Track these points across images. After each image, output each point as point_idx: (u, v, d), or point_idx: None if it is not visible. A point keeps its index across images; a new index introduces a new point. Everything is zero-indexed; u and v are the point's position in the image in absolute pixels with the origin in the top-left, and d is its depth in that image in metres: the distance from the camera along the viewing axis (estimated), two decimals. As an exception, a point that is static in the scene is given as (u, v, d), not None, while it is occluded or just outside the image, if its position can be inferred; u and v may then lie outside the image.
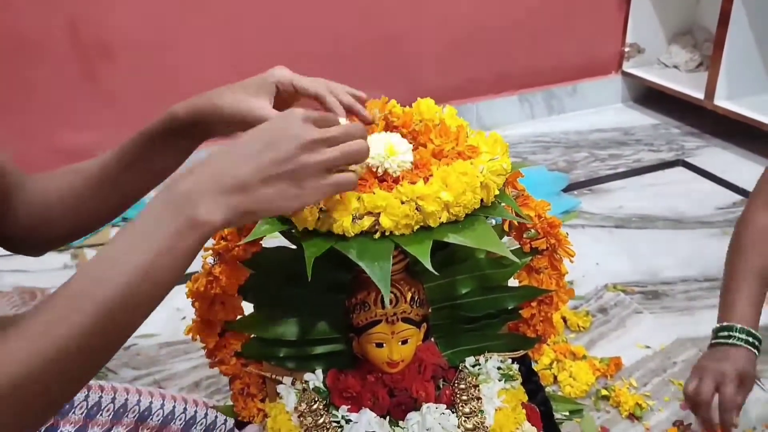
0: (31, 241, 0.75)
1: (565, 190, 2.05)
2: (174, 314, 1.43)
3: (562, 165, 2.23)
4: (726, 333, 0.96)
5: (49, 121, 1.92)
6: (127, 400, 0.81)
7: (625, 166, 2.22)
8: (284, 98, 0.69)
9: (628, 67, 2.66)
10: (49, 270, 1.68)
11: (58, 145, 1.93)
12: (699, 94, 2.35)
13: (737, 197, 1.99)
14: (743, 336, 0.94)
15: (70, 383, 0.51)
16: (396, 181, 0.62)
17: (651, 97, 2.67)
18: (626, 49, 2.63)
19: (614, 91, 2.72)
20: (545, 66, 2.58)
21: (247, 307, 0.74)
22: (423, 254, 0.57)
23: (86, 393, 0.79)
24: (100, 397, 0.79)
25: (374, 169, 0.62)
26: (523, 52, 2.51)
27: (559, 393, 1.23)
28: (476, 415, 0.71)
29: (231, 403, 0.78)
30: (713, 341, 0.97)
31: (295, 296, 0.72)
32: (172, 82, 1.99)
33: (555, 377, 1.27)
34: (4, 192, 0.70)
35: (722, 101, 2.29)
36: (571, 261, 0.75)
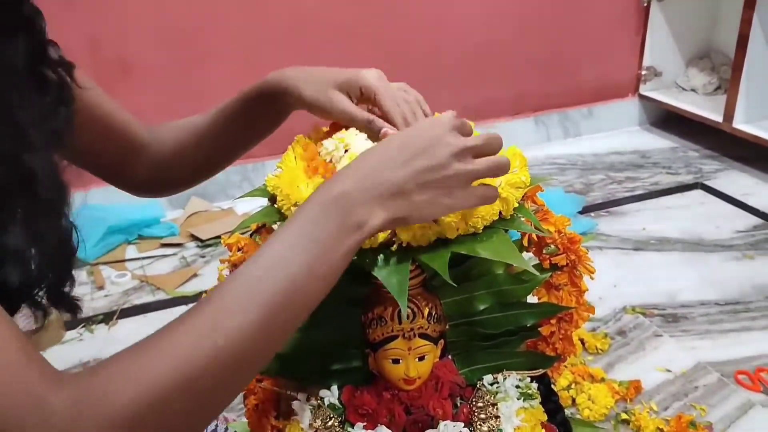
0: (149, 187, 0.85)
1: (581, 212, 2.04)
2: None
3: (578, 187, 2.22)
4: None
5: (69, 139, 1.95)
6: None
7: (642, 188, 2.20)
8: (365, 101, 0.71)
9: (645, 90, 2.66)
10: (65, 287, 1.68)
11: (77, 163, 1.95)
12: (717, 117, 2.33)
13: (757, 221, 1.96)
14: None
15: (234, 382, 0.50)
16: None
17: (668, 120, 2.66)
18: (643, 73, 2.63)
19: (631, 114, 2.71)
20: (561, 89, 2.58)
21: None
22: (441, 266, 0.56)
23: None
24: None
25: None
26: (540, 74, 2.52)
27: (578, 416, 1.21)
28: (494, 434, 0.69)
29: (244, 420, 0.77)
30: None
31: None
32: (190, 99, 2.01)
33: (573, 400, 1.25)
34: (135, 149, 0.80)
35: (741, 124, 2.27)
36: (592, 278, 0.74)
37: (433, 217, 0.56)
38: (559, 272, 0.73)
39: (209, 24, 2.00)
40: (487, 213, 0.59)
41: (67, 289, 0.57)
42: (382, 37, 2.21)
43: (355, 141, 0.66)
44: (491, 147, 0.58)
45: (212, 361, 0.46)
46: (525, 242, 0.73)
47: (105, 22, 1.89)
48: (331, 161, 0.64)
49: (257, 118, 0.78)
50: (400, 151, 0.55)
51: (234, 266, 0.66)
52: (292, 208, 0.59)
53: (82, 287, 1.70)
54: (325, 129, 0.72)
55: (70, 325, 1.52)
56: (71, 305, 0.59)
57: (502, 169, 0.58)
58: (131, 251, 1.87)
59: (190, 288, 1.67)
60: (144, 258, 1.84)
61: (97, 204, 1.95)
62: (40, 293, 0.54)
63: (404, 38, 2.25)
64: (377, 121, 0.68)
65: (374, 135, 0.68)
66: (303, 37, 2.10)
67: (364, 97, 0.71)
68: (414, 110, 0.70)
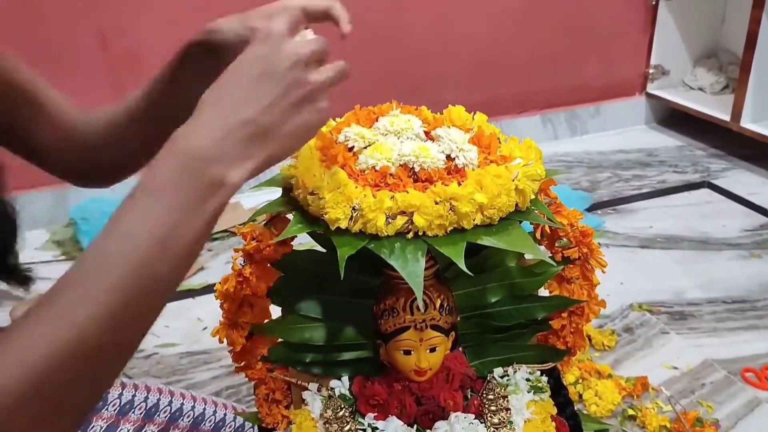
0: (89, 174, 0.76)
1: (588, 210, 2.03)
2: (195, 324, 1.43)
3: (585, 185, 2.22)
4: None
5: (77, 132, 1.95)
6: (159, 400, 0.81)
7: (649, 187, 2.19)
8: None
9: (652, 88, 2.65)
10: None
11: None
12: (725, 116, 2.33)
13: (764, 220, 1.96)
14: None
15: (96, 374, 0.44)
16: (429, 180, 0.61)
17: (675, 119, 2.65)
18: (650, 71, 2.63)
19: (638, 112, 2.71)
20: (568, 87, 2.58)
21: (274, 312, 0.73)
22: (457, 256, 0.56)
23: (120, 391, 0.79)
24: (133, 395, 0.79)
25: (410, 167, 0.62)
26: (547, 72, 2.51)
27: (585, 411, 1.21)
28: (505, 426, 0.69)
29: (255, 410, 0.77)
30: None
31: (323, 301, 0.72)
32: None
33: (580, 395, 1.25)
34: (66, 131, 0.72)
35: (749, 123, 2.26)
36: (603, 271, 0.74)
37: (301, 145, 0.51)
38: (571, 265, 0.73)
39: (216, 16, 2.00)
40: (503, 205, 0.59)
41: (12, 261, 0.54)
42: (389, 34, 2.20)
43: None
44: (325, 48, 0.53)
45: (66, 357, 0.41)
46: (538, 235, 0.73)
47: (115, 17, 1.89)
48: (353, 148, 0.64)
49: (197, 71, 0.66)
50: (242, 85, 0.48)
51: (248, 255, 0.66)
52: (308, 196, 0.60)
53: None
54: (338, 120, 0.72)
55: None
56: (21, 277, 0.56)
57: (343, 71, 0.54)
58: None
59: (197, 281, 1.67)
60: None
61: (102, 197, 1.96)
62: None
63: (411, 35, 2.24)
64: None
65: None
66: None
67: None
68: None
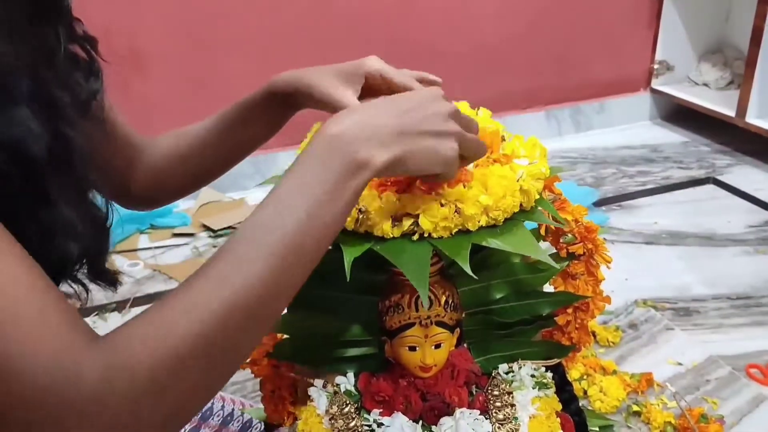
0: (144, 198, 0.82)
1: (593, 206, 2.03)
2: (201, 321, 1.43)
3: (589, 181, 2.22)
4: None
5: (82, 129, 1.96)
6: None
7: (654, 183, 2.19)
8: (372, 88, 0.71)
9: (657, 84, 2.65)
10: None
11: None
12: (730, 112, 2.32)
13: (769, 215, 1.96)
14: None
15: (248, 335, 0.49)
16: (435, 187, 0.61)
17: (680, 114, 2.65)
18: (655, 67, 2.62)
19: (643, 108, 2.70)
20: (573, 82, 2.58)
21: (280, 308, 0.74)
22: (462, 258, 0.56)
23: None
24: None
25: None
26: (551, 68, 2.51)
27: (589, 408, 1.21)
28: (510, 422, 0.70)
29: (261, 406, 0.77)
30: None
31: (329, 297, 0.72)
32: (202, 91, 2.01)
33: (585, 391, 1.25)
34: (132, 157, 0.78)
35: (754, 119, 2.26)
36: (608, 267, 0.74)
37: (428, 166, 0.55)
38: (576, 261, 0.73)
39: (222, 15, 2.00)
40: (508, 206, 0.59)
41: (104, 264, 0.58)
42: (394, 29, 2.21)
43: None
44: (474, 126, 0.59)
45: (224, 317, 0.45)
46: (542, 231, 0.73)
47: (118, 13, 1.89)
48: None
49: (261, 122, 0.77)
50: (396, 104, 0.56)
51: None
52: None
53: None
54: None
55: (83, 313, 1.53)
56: (111, 279, 0.60)
57: (482, 147, 0.59)
58: (143, 240, 1.88)
59: (202, 278, 1.68)
60: (156, 247, 1.85)
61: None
62: (81, 268, 0.55)
63: (417, 31, 2.24)
64: None
65: None
66: (315, 28, 2.10)
67: (369, 83, 0.71)
68: (420, 78, 0.72)
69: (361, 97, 0.70)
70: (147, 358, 0.42)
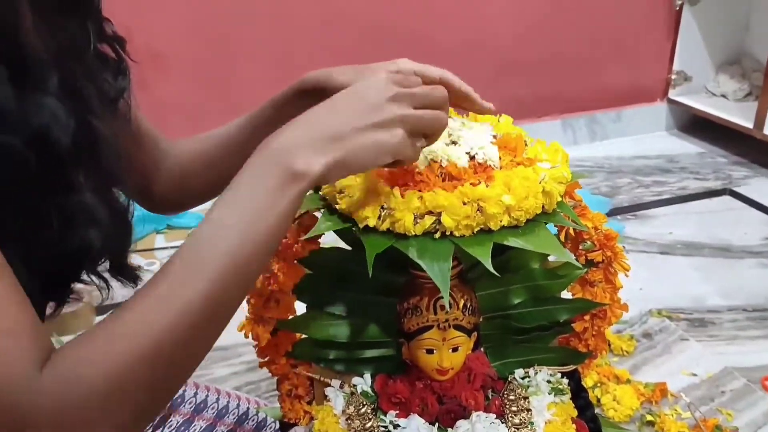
0: (169, 201, 0.81)
1: (608, 215, 2.03)
2: (215, 321, 1.44)
3: (604, 190, 2.21)
4: None
5: (101, 129, 1.97)
6: (184, 391, 0.84)
7: (669, 193, 2.18)
8: None
9: (674, 94, 2.64)
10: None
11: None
12: (748, 124, 2.31)
13: (786, 228, 1.95)
14: None
15: (192, 351, 0.50)
16: (457, 178, 0.61)
17: (697, 125, 2.63)
18: (673, 77, 2.61)
19: (659, 118, 2.69)
20: (589, 91, 2.57)
21: (299, 308, 0.74)
22: (484, 256, 0.57)
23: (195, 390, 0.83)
24: (206, 395, 0.83)
25: (437, 162, 0.63)
26: (568, 76, 2.51)
27: (603, 416, 1.21)
28: (526, 427, 0.70)
29: (277, 405, 0.78)
30: None
31: (348, 298, 0.72)
32: (220, 90, 2.03)
33: (598, 400, 1.25)
34: (157, 160, 0.77)
35: (772, 131, 2.25)
36: (627, 275, 0.74)
37: (373, 161, 0.55)
38: (594, 268, 0.74)
39: (241, 16, 2.02)
40: (530, 206, 0.59)
41: (126, 261, 0.59)
42: (409, 36, 2.21)
43: None
44: (431, 99, 0.57)
45: (167, 334, 0.46)
46: (562, 237, 0.73)
47: (137, 12, 1.91)
48: None
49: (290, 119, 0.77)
50: (335, 102, 0.55)
51: (277, 252, 0.67)
52: (336, 194, 0.61)
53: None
54: None
55: (100, 311, 1.55)
56: (132, 275, 0.61)
57: (439, 120, 0.57)
58: (160, 240, 1.89)
59: (217, 278, 1.69)
60: (173, 247, 1.86)
61: (126, 193, 1.98)
62: (102, 263, 0.56)
63: (432, 38, 2.25)
64: None
65: None
66: (332, 32, 2.11)
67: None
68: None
69: None
70: (94, 378, 0.44)
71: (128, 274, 0.61)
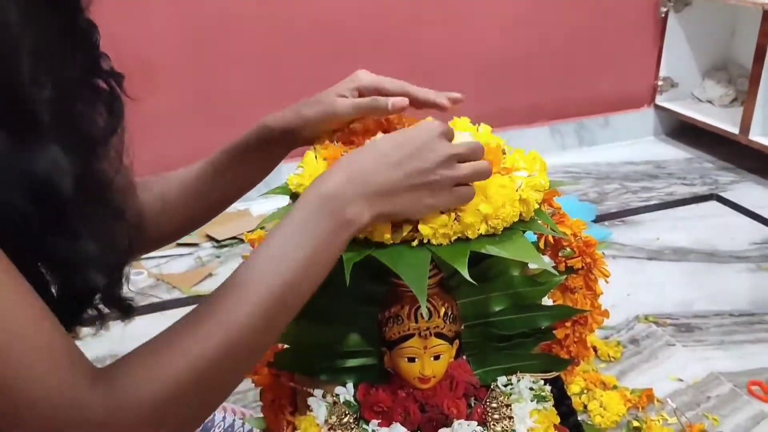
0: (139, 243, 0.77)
1: (596, 221, 2.04)
2: (203, 331, 1.44)
3: (592, 196, 2.22)
4: None
5: (89, 139, 1.97)
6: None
7: (657, 198, 2.20)
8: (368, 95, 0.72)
9: (661, 100, 2.65)
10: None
11: (96, 162, 1.97)
12: (734, 129, 2.33)
13: (773, 233, 1.96)
14: None
15: (239, 371, 0.54)
16: None
17: (684, 131, 2.65)
18: (659, 83, 2.63)
19: (646, 124, 2.71)
20: (577, 98, 2.59)
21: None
22: (461, 265, 0.57)
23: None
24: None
25: None
26: (556, 83, 2.52)
27: (589, 422, 1.21)
28: (508, 434, 0.70)
29: (261, 415, 0.78)
30: None
31: (329, 308, 0.72)
32: (210, 101, 2.03)
33: (585, 406, 1.25)
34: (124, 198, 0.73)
35: (757, 137, 2.26)
36: (607, 281, 0.74)
37: (416, 216, 0.59)
38: (574, 275, 0.74)
39: (230, 26, 2.02)
40: (508, 215, 0.60)
41: (118, 292, 0.59)
42: (399, 44, 2.22)
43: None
44: (475, 154, 0.61)
45: (221, 355, 0.49)
46: (541, 245, 0.73)
47: (126, 22, 1.91)
48: None
49: (254, 165, 0.77)
50: (390, 154, 0.57)
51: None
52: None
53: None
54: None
55: (86, 322, 1.54)
56: (125, 306, 0.60)
57: (483, 174, 0.61)
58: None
59: (206, 287, 1.68)
60: (160, 257, 1.85)
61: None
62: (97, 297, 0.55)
63: (422, 45, 2.26)
64: (380, 99, 0.70)
65: (383, 110, 0.70)
66: (322, 42, 2.12)
67: (366, 94, 0.71)
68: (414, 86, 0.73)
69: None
70: (147, 395, 0.46)
71: (121, 306, 0.60)
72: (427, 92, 0.72)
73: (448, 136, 0.61)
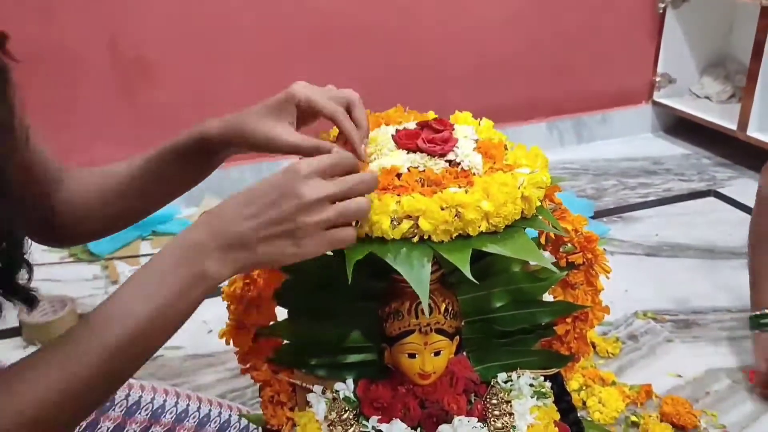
0: (57, 234, 0.77)
1: (594, 217, 2.04)
2: (200, 327, 1.44)
3: (590, 192, 2.22)
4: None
5: (88, 136, 1.96)
6: (165, 401, 0.82)
7: (655, 195, 2.20)
8: (306, 114, 0.68)
9: (658, 97, 2.65)
10: (80, 280, 1.70)
11: (96, 160, 1.96)
12: (731, 125, 2.33)
13: (770, 229, 1.96)
14: None
15: (77, 414, 0.56)
16: (437, 183, 0.62)
17: (681, 127, 2.65)
18: (657, 79, 2.63)
19: (644, 120, 2.71)
20: (575, 94, 2.59)
21: (280, 314, 0.74)
22: (462, 262, 0.57)
23: (127, 392, 0.80)
24: (140, 396, 0.81)
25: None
26: (553, 79, 2.52)
27: (588, 418, 1.21)
28: (508, 431, 0.70)
29: (260, 412, 0.77)
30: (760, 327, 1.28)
31: (329, 303, 0.72)
32: (208, 98, 2.02)
33: (584, 402, 1.25)
34: (51, 190, 0.73)
35: (755, 132, 2.27)
36: (607, 277, 0.74)
37: (279, 265, 0.59)
38: (575, 271, 0.74)
39: (228, 24, 2.01)
40: (509, 212, 0.59)
41: (22, 281, 0.58)
42: (397, 41, 2.22)
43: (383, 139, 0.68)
44: (353, 191, 0.57)
45: (57, 404, 0.51)
46: (542, 240, 0.73)
47: (124, 21, 1.90)
48: None
49: (189, 167, 0.73)
50: (251, 203, 0.56)
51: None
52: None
53: (96, 281, 1.72)
54: (333, 132, 0.72)
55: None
56: (28, 296, 0.59)
57: (358, 213, 0.57)
58: (145, 247, 1.88)
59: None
60: (143, 255, 1.85)
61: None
62: None
63: (420, 42, 2.25)
64: (323, 145, 0.64)
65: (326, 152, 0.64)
66: (319, 39, 2.11)
67: (304, 109, 0.67)
68: (351, 104, 0.68)
69: (298, 126, 0.68)
70: None
71: (23, 296, 0.59)
72: (352, 132, 0.66)
73: (322, 173, 0.56)
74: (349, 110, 0.67)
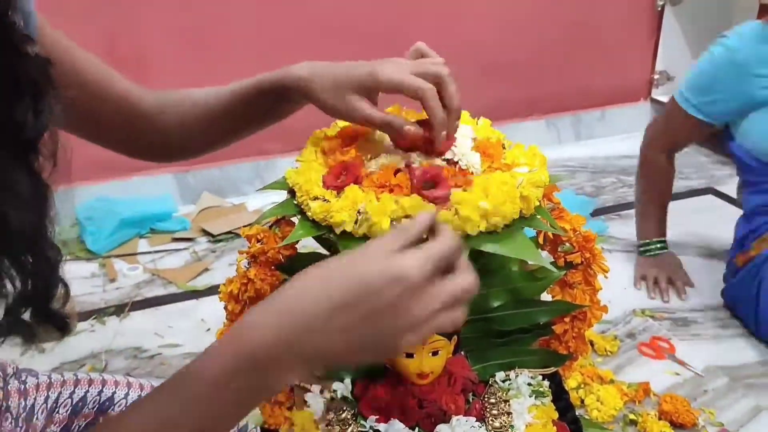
0: (159, 152, 0.85)
1: (592, 215, 2.04)
2: (199, 325, 1.43)
3: (589, 190, 2.22)
4: (649, 247, 1.68)
5: (85, 134, 1.96)
6: (114, 393, 0.82)
7: (653, 192, 2.19)
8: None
9: (657, 94, 2.65)
10: (78, 278, 1.70)
11: (95, 157, 1.96)
12: (730, 123, 2.33)
13: (769, 227, 1.95)
14: (660, 245, 1.68)
15: None
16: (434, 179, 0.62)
17: (680, 124, 2.65)
18: (656, 77, 2.63)
19: (643, 118, 2.70)
20: (574, 91, 2.58)
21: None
22: (460, 261, 0.56)
23: (126, 391, 0.81)
24: (139, 395, 0.80)
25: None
26: (552, 77, 2.52)
27: (586, 417, 1.21)
28: (506, 430, 0.70)
29: (258, 411, 0.77)
30: (643, 254, 1.68)
31: (327, 303, 0.72)
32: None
33: (582, 400, 1.25)
34: (144, 116, 0.81)
35: (754, 130, 2.26)
36: (606, 276, 0.74)
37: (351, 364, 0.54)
38: (573, 270, 0.74)
39: (226, 21, 2.01)
40: (508, 212, 0.59)
41: (55, 306, 0.54)
42: (394, 37, 2.21)
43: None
44: (450, 260, 0.48)
45: None
46: (541, 240, 0.73)
47: (122, 19, 1.90)
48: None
49: (270, 109, 0.79)
50: (342, 309, 0.45)
51: (253, 257, 0.67)
52: (310, 202, 0.60)
53: (94, 279, 1.72)
54: (342, 124, 0.72)
55: (82, 317, 1.53)
56: (61, 322, 0.55)
57: (470, 291, 0.49)
58: (143, 245, 1.88)
59: (201, 282, 1.67)
60: (156, 252, 1.85)
61: (110, 197, 1.97)
62: (25, 311, 0.51)
63: (419, 38, 2.24)
64: (395, 121, 0.65)
65: (396, 131, 0.67)
66: (318, 38, 2.11)
67: (386, 92, 0.69)
68: (440, 82, 0.68)
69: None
70: None
71: (56, 322, 0.56)
72: (435, 115, 0.64)
73: (432, 277, 0.46)
74: (439, 88, 0.66)
